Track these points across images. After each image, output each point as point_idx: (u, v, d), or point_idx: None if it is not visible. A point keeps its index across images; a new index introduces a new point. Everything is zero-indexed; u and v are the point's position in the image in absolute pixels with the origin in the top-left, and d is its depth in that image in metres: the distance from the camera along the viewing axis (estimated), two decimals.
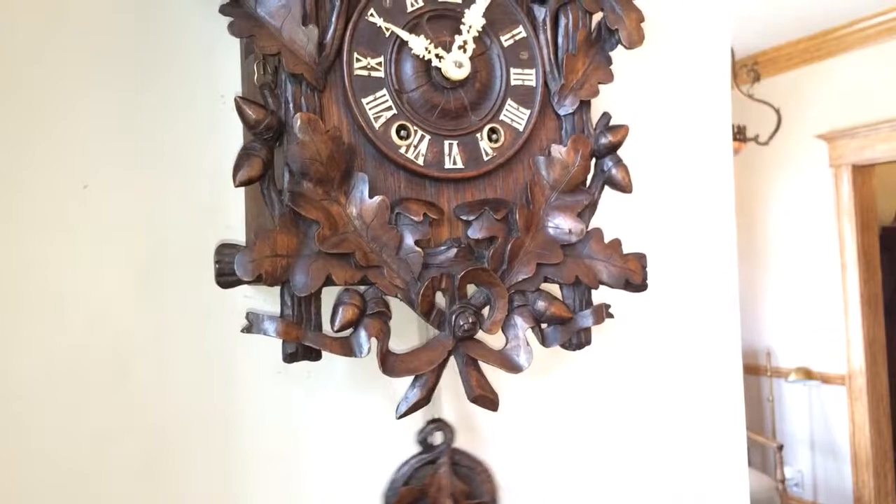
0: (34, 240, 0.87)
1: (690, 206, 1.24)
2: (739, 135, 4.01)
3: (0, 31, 0.86)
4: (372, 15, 0.80)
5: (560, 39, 0.88)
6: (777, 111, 3.99)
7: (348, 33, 0.79)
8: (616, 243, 0.89)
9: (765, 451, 4.94)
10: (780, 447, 4.48)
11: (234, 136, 0.92)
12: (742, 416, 1.24)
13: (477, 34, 0.82)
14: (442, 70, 0.81)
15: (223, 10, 0.75)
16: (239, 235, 0.92)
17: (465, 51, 0.82)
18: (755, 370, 5.17)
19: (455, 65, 0.81)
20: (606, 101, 0.96)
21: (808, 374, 4.87)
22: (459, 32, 0.82)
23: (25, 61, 0.87)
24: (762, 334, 5.30)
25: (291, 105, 0.76)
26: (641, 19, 0.89)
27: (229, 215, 0.92)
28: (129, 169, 0.90)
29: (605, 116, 0.90)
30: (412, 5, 0.82)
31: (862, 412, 4.60)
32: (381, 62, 0.80)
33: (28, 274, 0.86)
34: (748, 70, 4.07)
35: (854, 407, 4.65)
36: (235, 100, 0.74)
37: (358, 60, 0.79)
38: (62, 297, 0.87)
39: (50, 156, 0.87)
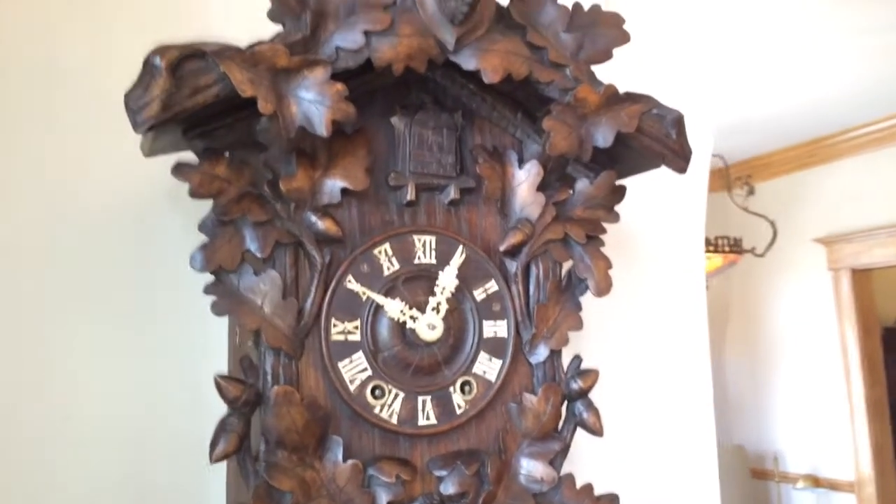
0: None
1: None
2: (735, 247, 4.05)
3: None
4: (350, 281, 0.84)
5: (531, 289, 0.92)
6: (772, 223, 4.05)
7: (326, 300, 0.83)
8: (588, 489, 0.90)
9: None
10: None
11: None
12: None
13: (451, 294, 0.86)
14: (416, 331, 0.84)
15: (207, 290, 0.79)
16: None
17: (438, 311, 0.85)
18: (763, 475, 5.08)
19: (428, 327, 0.84)
20: None
21: (816, 482, 4.78)
22: (434, 293, 0.86)
23: (27, 302, 0.92)
24: (769, 438, 5.23)
25: (270, 377, 0.80)
26: (609, 267, 0.93)
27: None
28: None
29: (577, 360, 0.93)
30: (388, 269, 0.86)
31: None
32: (357, 325, 0.84)
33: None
34: (742, 182, 4.15)
35: None
36: (215, 379, 0.77)
37: (335, 326, 0.83)
38: None
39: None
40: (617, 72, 0.90)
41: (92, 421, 0.92)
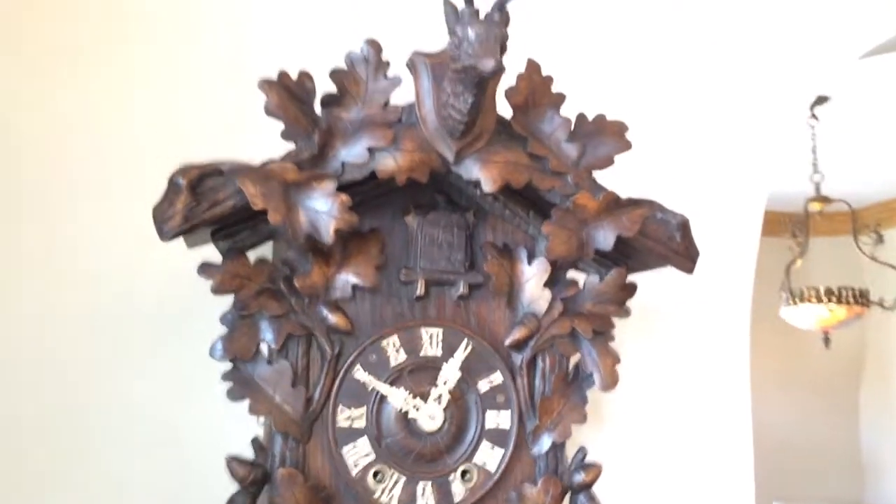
0: None
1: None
2: (862, 299, 3.79)
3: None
4: (358, 370, 0.91)
5: (537, 381, 0.95)
6: None
7: (335, 389, 0.90)
8: None
9: None
10: None
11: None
12: None
13: (453, 386, 0.91)
14: (417, 421, 0.89)
15: (225, 377, 0.88)
16: None
17: (440, 402, 0.90)
18: None
19: (429, 418, 0.89)
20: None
21: None
22: (437, 385, 0.91)
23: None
24: None
25: (277, 458, 0.87)
26: (616, 362, 0.95)
27: None
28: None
29: (581, 452, 0.95)
30: (395, 360, 0.92)
31: None
32: (363, 413, 0.90)
33: None
34: (870, 230, 3.88)
35: None
36: (226, 460, 0.86)
37: (342, 412, 0.90)
38: None
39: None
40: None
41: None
